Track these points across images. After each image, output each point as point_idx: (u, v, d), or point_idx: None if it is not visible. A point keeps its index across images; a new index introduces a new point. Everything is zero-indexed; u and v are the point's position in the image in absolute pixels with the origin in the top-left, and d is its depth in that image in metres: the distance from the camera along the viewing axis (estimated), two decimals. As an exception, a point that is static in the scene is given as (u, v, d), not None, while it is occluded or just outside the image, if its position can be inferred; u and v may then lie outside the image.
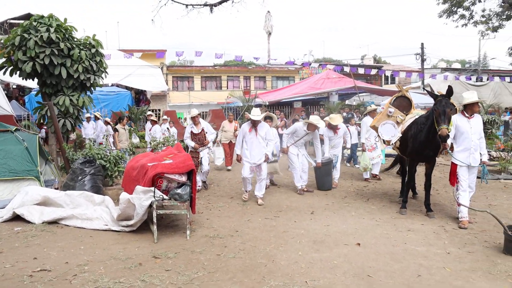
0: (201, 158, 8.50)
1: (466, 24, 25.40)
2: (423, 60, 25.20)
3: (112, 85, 19.33)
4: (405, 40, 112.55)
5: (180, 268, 4.41)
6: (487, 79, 23.97)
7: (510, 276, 4.24)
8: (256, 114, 7.60)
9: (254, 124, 7.64)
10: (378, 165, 9.82)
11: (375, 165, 9.72)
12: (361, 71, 24.09)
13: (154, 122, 13.54)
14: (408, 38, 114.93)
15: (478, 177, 6.51)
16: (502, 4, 22.56)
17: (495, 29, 25.16)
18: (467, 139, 6.03)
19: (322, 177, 8.57)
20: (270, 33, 38.33)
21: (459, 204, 6.02)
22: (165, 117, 15.23)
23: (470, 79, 24.22)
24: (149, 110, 19.21)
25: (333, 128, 9.14)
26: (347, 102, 24.32)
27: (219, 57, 19.10)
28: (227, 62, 33.30)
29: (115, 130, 12.35)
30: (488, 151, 12.21)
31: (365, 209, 7.02)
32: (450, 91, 6.03)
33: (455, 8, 25.52)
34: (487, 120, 14.23)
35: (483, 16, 25.20)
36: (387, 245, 5.17)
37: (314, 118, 8.25)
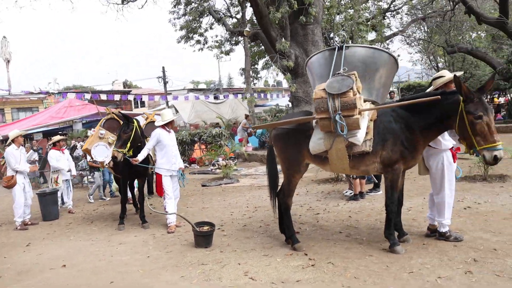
0: None
1: (202, 49, 28.01)
2: (165, 83, 26.78)
3: None
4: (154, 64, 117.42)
5: None
6: (223, 97, 26.86)
7: (192, 264, 4.99)
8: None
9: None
10: None
11: None
12: (111, 97, 23.97)
13: None
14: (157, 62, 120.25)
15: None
16: (230, 32, 25.69)
17: (227, 53, 28.37)
18: (169, 152, 6.84)
19: (47, 206, 8.37)
20: (8, 61, 34.97)
21: (166, 212, 6.75)
22: None
23: (208, 97, 26.74)
24: None
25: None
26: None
27: None
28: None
29: None
30: (216, 161, 13.87)
31: (85, 232, 7.17)
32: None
33: (191, 34, 27.83)
34: (216, 133, 16.24)
35: (216, 41, 28.22)
36: (93, 261, 5.43)
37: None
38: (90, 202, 10.08)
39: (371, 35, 31.27)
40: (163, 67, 26.87)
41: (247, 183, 11.08)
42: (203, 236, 5.70)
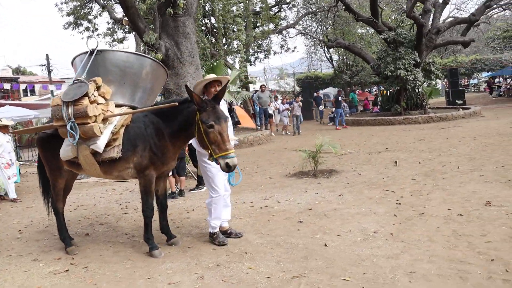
0: None
1: (91, 36, 26.73)
2: (49, 71, 25.31)
3: None
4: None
5: None
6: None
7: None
8: None
9: None
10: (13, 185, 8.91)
11: (11, 186, 8.79)
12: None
13: None
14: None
15: None
16: (113, 20, 24.71)
17: (120, 41, 27.39)
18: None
19: None
20: None
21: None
22: None
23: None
24: None
25: None
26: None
27: None
28: None
29: None
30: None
31: None
32: None
33: (79, 21, 26.43)
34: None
35: (108, 29, 27.09)
36: None
37: None
38: None
39: (271, 26, 32.01)
40: (47, 55, 25.33)
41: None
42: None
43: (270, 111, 18.52)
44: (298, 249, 4.59)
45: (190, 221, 6.10)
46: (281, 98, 20.31)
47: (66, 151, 4.55)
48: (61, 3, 25.19)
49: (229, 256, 4.55)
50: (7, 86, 18.06)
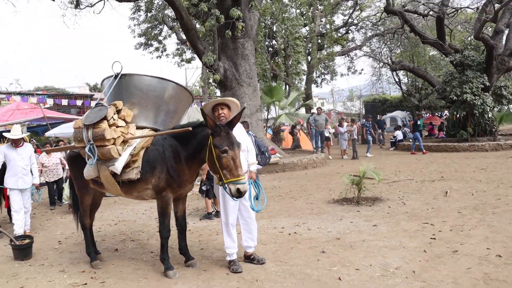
0: None
1: (160, 56, 28.15)
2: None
3: None
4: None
5: None
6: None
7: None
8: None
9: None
10: None
11: None
12: (73, 102, 23.19)
13: None
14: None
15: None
16: (180, 41, 25.75)
17: (188, 61, 28.53)
18: (14, 166, 6.94)
19: None
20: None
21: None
22: None
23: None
24: None
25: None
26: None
27: None
28: None
29: None
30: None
31: None
32: None
33: (150, 41, 27.91)
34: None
35: (177, 49, 28.35)
36: None
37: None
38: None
39: (337, 48, 31.81)
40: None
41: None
42: (18, 249, 5.78)
43: (327, 134, 18.25)
44: (311, 280, 4.44)
45: (216, 243, 6.11)
46: (339, 121, 19.99)
47: (89, 171, 4.77)
48: (134, 25, 26.69)
49: (239, 283, 4.50)
50: (79, 102, 19.16)
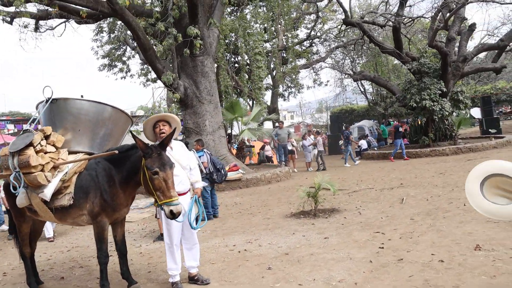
0: None
1: (124, 77, 27.89)
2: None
3: None
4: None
5: None
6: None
7: None
8: None
9: None
10: None
11: None
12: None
13: None
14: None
15: None
16: (142, 61, 25.60)
17: (154, 81, 28.35)
18: None
19: None
20: None
21: None
22: None
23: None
24: None
25: None
26: None
27: None
28: None
29: None
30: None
31: None
32: None
33: (114, 62, 27.68)
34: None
35: (141, 69, 28.16)
36: None
37: None
38: None
39: (302, 61, 32.18)
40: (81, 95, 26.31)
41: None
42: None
43: (290, 147, 18.30)
44: (251, 300, 4.35)
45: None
46: (303, 134, 20.09)
47: (21, 199, 4.59)
48: (97, 47, 26.46)
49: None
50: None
